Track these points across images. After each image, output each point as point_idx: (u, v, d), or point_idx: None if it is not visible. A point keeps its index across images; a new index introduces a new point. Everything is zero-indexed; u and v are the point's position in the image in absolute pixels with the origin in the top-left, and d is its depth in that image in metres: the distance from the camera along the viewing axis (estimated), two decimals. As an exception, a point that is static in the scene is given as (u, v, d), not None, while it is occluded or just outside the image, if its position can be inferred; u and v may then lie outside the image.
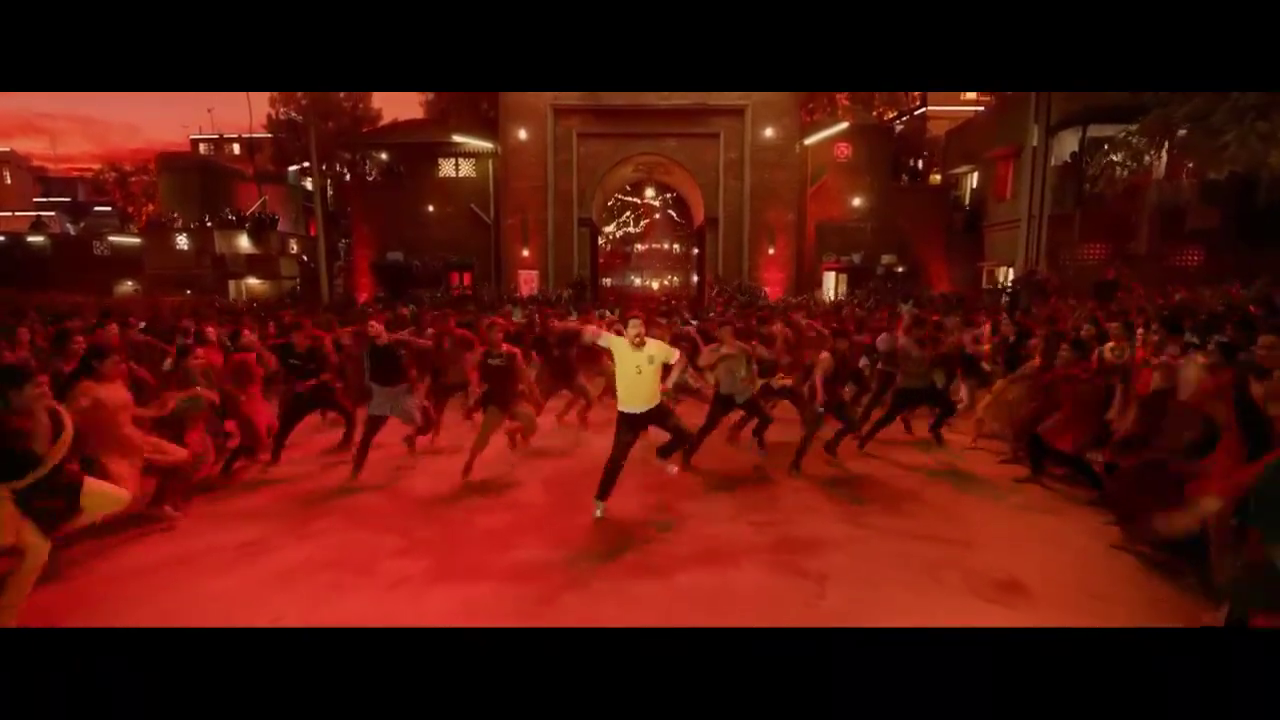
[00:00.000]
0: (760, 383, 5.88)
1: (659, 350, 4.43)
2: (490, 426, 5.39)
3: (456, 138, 19.30)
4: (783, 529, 4.32)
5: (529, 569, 3.71)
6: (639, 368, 4.36)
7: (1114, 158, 12.18)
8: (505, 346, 5.40)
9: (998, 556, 3.87)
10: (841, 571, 3.66)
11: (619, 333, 4.55)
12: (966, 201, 21.15)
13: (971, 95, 36.15)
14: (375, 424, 5.41)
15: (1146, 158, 12.26)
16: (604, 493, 4.54)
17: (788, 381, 6.14)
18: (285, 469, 5.66)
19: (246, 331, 6.10)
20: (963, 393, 7.41)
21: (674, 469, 4.85)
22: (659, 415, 4.54)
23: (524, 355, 5.97)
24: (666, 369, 4.59)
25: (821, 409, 5.53)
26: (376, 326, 5.56)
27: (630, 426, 4.51)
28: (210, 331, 6.28)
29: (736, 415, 6.19)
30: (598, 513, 4.50)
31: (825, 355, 5.59)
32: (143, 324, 8.56)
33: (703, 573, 3.66)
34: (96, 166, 43.26)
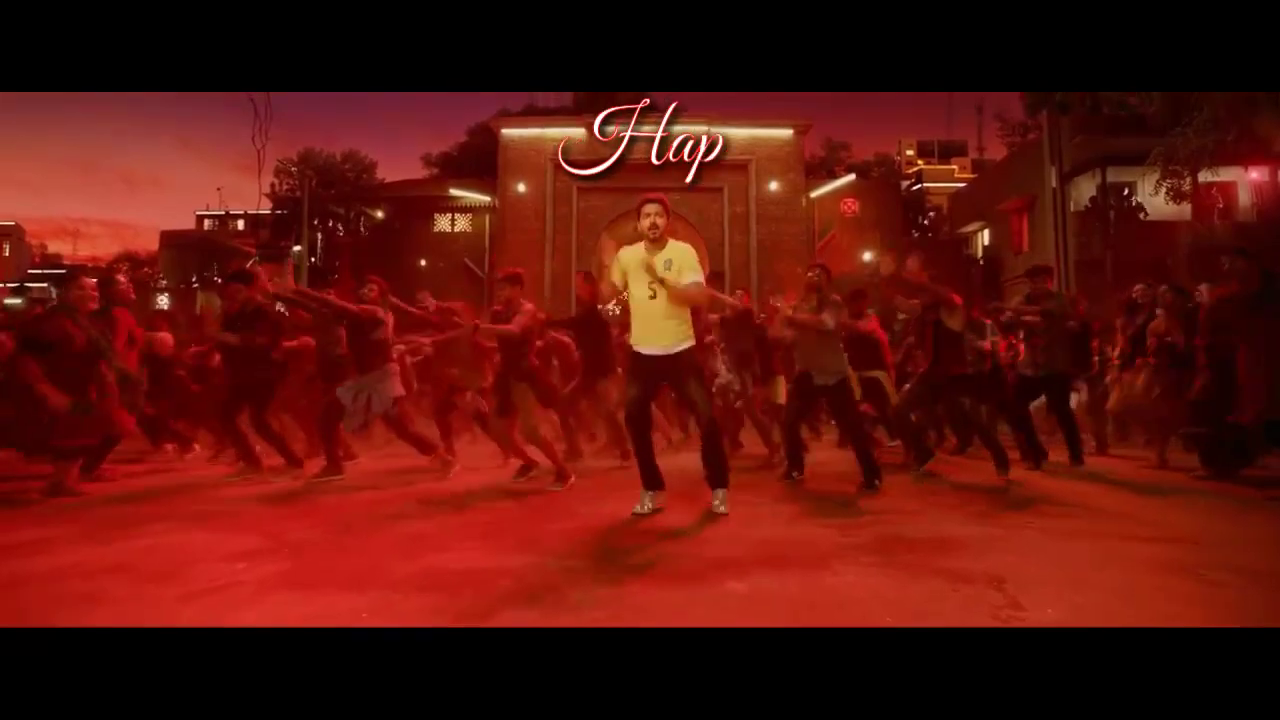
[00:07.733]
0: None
1: (682, 255, 2.93)
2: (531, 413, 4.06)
3: (454, 191, 18.83)
4: (875, 530, 2.70)
5: (454, 576, 2.07)
6: (651, 289, 2.93)
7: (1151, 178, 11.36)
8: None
9: (1271, 553, 2.27)
10: (1022, 574, 2.02)
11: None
12: (980, 257, 20.45)
13: (966, 174, 37.03)
14: (336, 409, 4.12)
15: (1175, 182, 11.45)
16: (646, 479, 3.04)
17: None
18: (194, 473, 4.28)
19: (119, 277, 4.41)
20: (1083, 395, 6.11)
21: (720, 507, 3.00)
22: (677, 370, 3.00)
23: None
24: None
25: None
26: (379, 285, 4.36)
27: (642, 373, 3.06)
28: (125, 284, 4.58)
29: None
30: (641, 507, 2.96)
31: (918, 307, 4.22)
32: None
33: (768, 576, 2.03)
34: (105, 261, 42.50)
